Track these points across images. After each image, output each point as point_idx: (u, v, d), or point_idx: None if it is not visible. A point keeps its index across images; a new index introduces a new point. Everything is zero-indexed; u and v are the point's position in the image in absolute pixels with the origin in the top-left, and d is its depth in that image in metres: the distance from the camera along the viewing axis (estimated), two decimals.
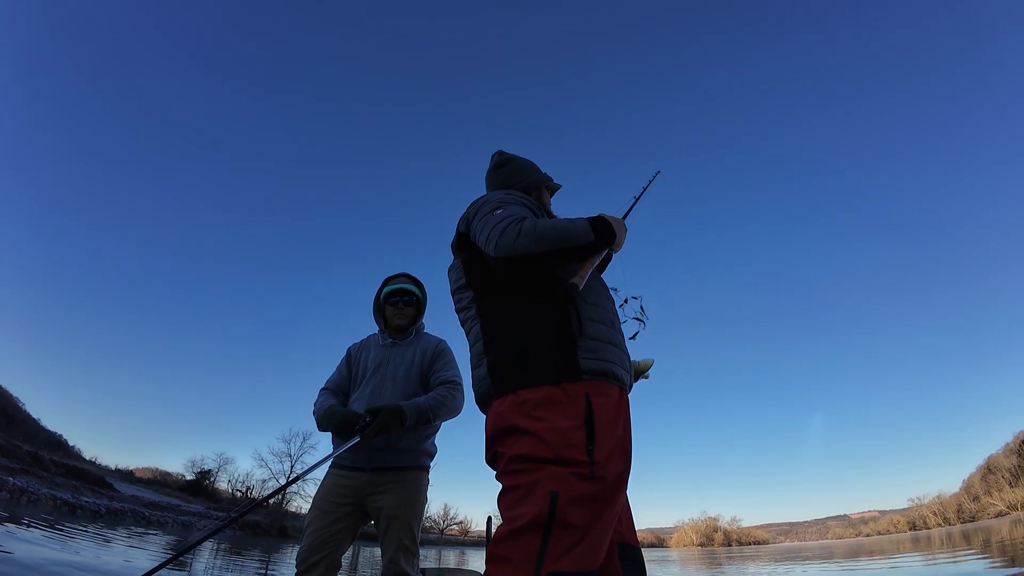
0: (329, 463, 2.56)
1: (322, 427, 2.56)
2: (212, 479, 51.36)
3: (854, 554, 26.79)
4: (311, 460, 52.60)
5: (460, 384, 2.68)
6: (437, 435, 2.76)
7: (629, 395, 1.58)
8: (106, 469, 44.49)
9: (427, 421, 2.49)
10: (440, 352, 2.78)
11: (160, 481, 50.91)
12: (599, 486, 1.30)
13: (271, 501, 50.22)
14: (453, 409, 2.61)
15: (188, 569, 8.42)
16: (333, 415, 2.49)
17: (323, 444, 52.69)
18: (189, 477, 50.53)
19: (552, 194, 2.08)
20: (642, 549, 1.63)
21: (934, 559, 14.49)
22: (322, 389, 2.79)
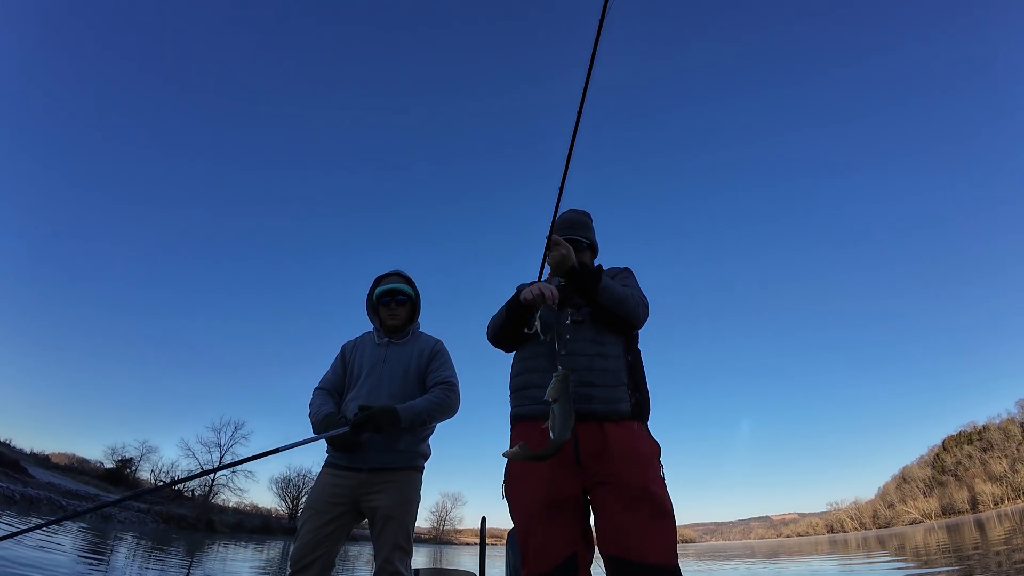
0: (321, 465, 2.56)
1: (317, 432, 2.49)
2: (134, 468, 48.77)
3: (775, 554, 28.07)
4: (242, 452, 51.07)
5: (455, 385, 2.68)
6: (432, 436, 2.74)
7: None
8: (20, 452, 41.40)
9: (423, 423, 2.51)
10: (437, 353, 2.77)
11: (77, 468, 47.67)
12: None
13: (196, 492, 48.37)
14: (449, 410, 2.62)
15: (106, 565, 8.07)
16: (332, 431, 2.40)
17: (256, 434, 51.14)
18: (109, 465, 47.84)
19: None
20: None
21: (850, 562, 15.32)
22: (317, 388, 2.73)
